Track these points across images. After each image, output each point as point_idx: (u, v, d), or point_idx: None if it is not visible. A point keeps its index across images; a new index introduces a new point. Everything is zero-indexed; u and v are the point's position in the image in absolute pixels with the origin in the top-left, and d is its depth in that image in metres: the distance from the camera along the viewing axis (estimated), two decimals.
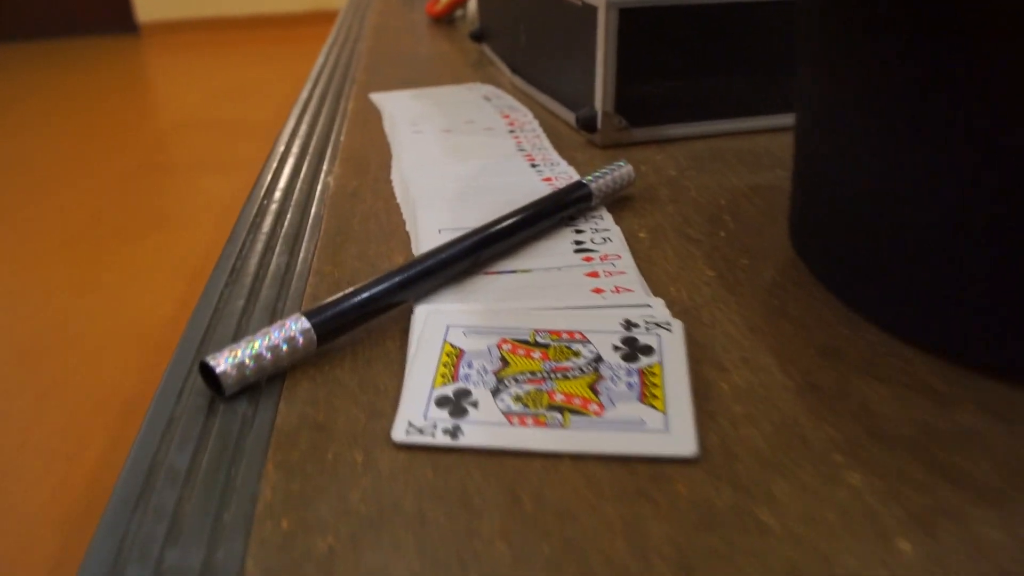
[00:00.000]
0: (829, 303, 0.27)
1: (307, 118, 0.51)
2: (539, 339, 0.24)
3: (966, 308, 0.22)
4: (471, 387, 0.22)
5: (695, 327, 0.25)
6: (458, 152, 0.41)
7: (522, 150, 0.42)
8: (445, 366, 0.23)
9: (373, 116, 0.50)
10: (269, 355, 0.23)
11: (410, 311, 0.26)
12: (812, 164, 0.27)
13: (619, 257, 0.29)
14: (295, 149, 0.45)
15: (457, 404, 0.21)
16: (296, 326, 0.23)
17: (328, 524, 0.18)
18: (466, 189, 0.36)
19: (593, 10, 0.40)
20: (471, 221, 0.33)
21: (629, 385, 0.22)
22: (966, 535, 0.17)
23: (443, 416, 0.21)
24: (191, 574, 0.17)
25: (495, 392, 0.22)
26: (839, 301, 0.27)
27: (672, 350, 0.23)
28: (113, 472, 1.16)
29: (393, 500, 0.19)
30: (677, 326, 0.24)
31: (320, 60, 0.69)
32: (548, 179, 0.37)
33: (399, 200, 0.36)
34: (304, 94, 0.57)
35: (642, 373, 0.22)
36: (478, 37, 0.66)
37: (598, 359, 0.23)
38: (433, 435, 0.20)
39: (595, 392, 0.22)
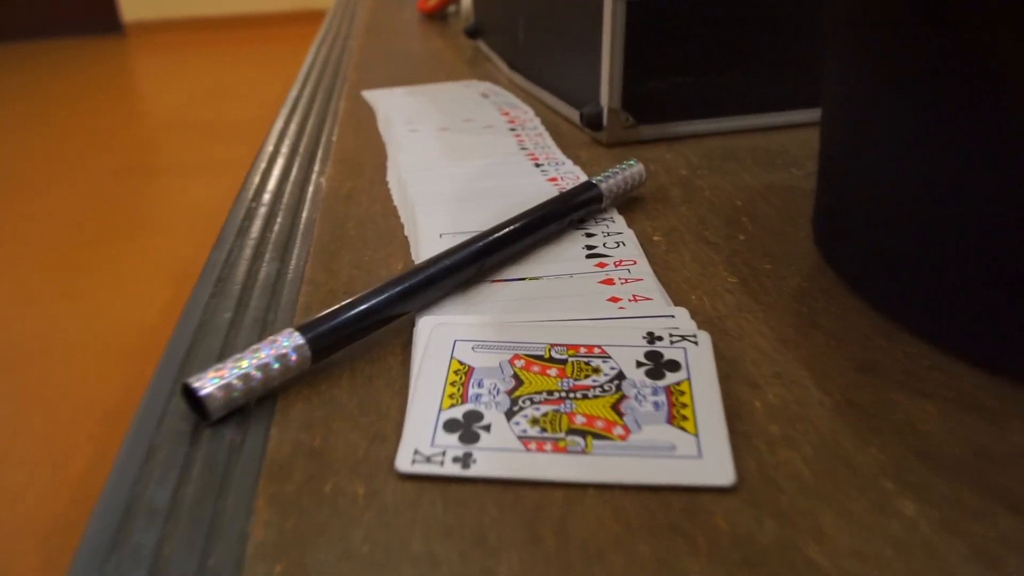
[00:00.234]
0: (862, 311, 0.25)
1: (297, 117, 0.49)
2: (555, 354, 0.22)
3: (1019, 317, 0.20)
4: (482, 409, 0.20)
5: (721, 339, 0.24)
6: (457, 151, 0.39)
7: (524, 149, 0.40)
8: (453, 385, 0.21)
9: (366, 115, 0.48)
10: (259, 375, 0.20)
11: (412, 323, 0.24)
12: (841, 163, 0.25)
13: (634, 263, 0.28)
14: (285, 149, 0.43)
15: (468, 428, 0.19)
16: (288, 342, 0.21)
17: (328, 568, 0.16)
18: (467, 190, 0.34)
19: (599, 2, 0.38)
20: (474, 224, 0.31)
21: (656, 405, 0.20)
22: None
23: (453, 442, 0.19)
24: None
25: (509, 414, 0.20)
26: (872, 310, 0.25)
27: (700, 365, 0.21)
28: (99, 481, 1.13)
29: (400, 539, 0.17)
30: (704, 338, 0.23)
31: (309, 58, 0.67)
32: (553, 179, 0.35)
33: (396, 203, 0.34)
34: (293, 93, 0.55)
35: (669, 391, 0.20)
36: (473, 33, 0.64)
37: (620, 376, 0.21)
38: (442, 464, 0.18)
39: (619, 413, 0.20)
